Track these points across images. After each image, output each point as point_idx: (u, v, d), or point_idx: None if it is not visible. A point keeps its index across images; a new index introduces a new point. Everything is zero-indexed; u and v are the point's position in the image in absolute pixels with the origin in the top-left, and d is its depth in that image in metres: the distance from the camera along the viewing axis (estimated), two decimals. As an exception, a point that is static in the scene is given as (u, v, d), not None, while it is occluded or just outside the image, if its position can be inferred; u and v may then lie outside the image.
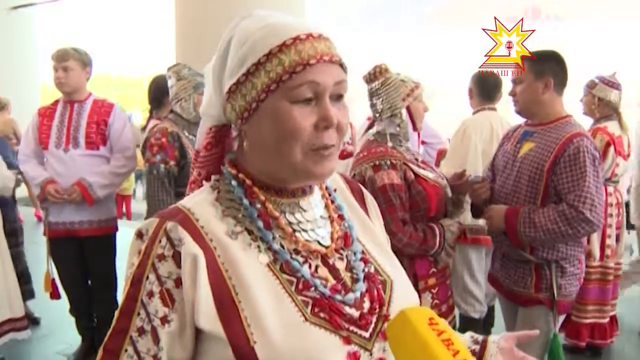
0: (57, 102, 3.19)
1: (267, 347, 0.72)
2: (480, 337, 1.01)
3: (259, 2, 3.66)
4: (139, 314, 0.77)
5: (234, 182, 0.84)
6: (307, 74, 0.75)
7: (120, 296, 0.82)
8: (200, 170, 0.88)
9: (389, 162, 2.00)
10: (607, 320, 3.31)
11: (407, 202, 1.99)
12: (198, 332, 0.77)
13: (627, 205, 3.74)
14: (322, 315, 0.77)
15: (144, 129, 3.21)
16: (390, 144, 2.06)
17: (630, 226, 3.86)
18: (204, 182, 0.88)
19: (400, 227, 1.96)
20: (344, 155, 3.14)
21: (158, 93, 3.20)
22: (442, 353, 0.61)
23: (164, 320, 0.76)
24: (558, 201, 2.03)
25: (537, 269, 2.12)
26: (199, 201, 0.83)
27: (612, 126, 3.21)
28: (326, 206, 0.89)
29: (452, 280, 2.42)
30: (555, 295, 2.09)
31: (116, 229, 3.27)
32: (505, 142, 2.33)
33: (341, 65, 0.80)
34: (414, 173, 2.02)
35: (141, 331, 0.77)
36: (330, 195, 0.91)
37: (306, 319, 0.76)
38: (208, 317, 0.74)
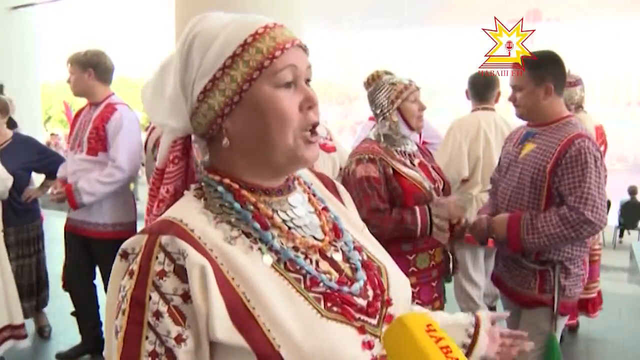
0: (89, 103, 3.19)
1: (291, 348, 0.72)
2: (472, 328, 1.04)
3: (257, 3, 3.65)
4: (147, 337, 0.72)
5: (220, 188, 0.81)
6: (285, 58, 0.78)
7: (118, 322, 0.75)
8: (168, 186, 0.83)
9: (367, 157, 2.11)
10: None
11: (385, 195, 2.08)
12: (212, 347, 0.74)
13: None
14: (335, 309, 0.77)
15: (146, 129, 3.21)
16: (383, 144, 2.17)
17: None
18: (185, 192, 0.84)
19: (372, 214, 2.01)
20: (327, 149, 3.14)
21: None
22: None
23: (179, 339, 0.72)
24: (560, 203, 2.02)
25: (541, 270, 2.11)
26: (188, 211, 0.79)
27: None
28: (309, 200, 0.89)
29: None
30: (559, 296, 2.08)
31: (130, 234, 3.14)
32: (508, 143, 2.32)
33: (305, 50, 0.83)
34: (394, 170, 2.10)
35: (154, 355, 0.72)
36: (309, 188, 0.91)
37: (322, 315, 0.76)
38: (225, 329, 0.71)
